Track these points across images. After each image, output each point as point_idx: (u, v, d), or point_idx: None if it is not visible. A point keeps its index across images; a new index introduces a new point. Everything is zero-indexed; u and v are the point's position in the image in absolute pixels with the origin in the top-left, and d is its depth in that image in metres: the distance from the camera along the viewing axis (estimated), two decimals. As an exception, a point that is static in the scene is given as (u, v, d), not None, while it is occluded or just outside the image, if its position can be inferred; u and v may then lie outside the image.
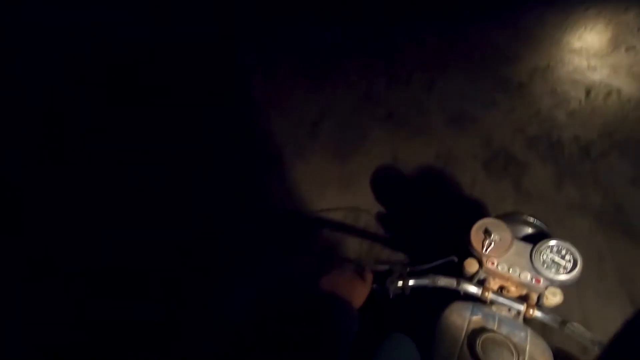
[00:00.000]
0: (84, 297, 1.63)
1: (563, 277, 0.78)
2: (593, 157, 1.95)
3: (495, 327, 0.74)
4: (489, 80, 2.45)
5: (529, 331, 0.74)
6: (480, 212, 1.69)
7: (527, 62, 2.55)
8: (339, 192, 1.86)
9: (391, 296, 0.81)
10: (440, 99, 2.37)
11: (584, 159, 1.95)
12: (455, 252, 0.90)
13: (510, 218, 0.92)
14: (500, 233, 0.83)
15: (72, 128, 2.42)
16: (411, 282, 0.81)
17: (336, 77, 2.60)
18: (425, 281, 0.82)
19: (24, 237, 1.89)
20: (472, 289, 0.81)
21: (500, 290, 0.83)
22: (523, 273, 0.81)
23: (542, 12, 2.88)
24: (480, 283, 0.84)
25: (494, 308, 0.79)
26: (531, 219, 0.93)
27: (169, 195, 1.96)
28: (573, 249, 0.80)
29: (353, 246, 1.62)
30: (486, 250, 0.82)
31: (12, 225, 1.94)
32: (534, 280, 0.80)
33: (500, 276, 0.83)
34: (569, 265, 0.79)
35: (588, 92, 2.28)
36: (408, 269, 0.83)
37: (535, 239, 0.84)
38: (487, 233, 0.83)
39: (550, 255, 0.80)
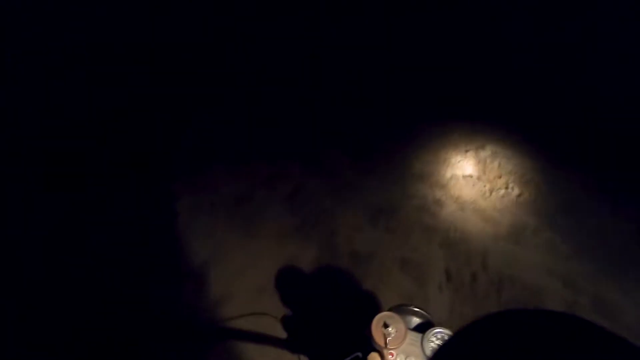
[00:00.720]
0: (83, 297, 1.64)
1: (449, 361, 0.90)
2: None
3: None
4: (312, 250, 1.83)
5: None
6: (375, 305, 1.76)
7: (366, 203, 2.04)
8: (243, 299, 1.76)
9: None
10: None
11: None
12: (357, 346, 0.96)
13: (400, 309, 1.04)
14: (396, 325, 0.93)
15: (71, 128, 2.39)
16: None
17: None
18: None
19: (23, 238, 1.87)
20: (378, 384, 0.86)
21: (401, 382, 0.90)
22: (418, 362, 0.91)
23: (384, 140, 2.46)
24: (384, 377, 0.90)
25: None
26: (417, 309, 1.07)
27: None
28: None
29: (258, 355, 1.51)
30: (386, 343, 0.91)
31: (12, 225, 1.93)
32: (427, 368, 0.90)
33: (400, 367, 0.91)
34: (452, 350, 0.92)
35: (448, 274, 1.80)
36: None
37: (422, 328, 0.96)
38: (385, 326, 0.93)
39: (437, 342, 0.92)
